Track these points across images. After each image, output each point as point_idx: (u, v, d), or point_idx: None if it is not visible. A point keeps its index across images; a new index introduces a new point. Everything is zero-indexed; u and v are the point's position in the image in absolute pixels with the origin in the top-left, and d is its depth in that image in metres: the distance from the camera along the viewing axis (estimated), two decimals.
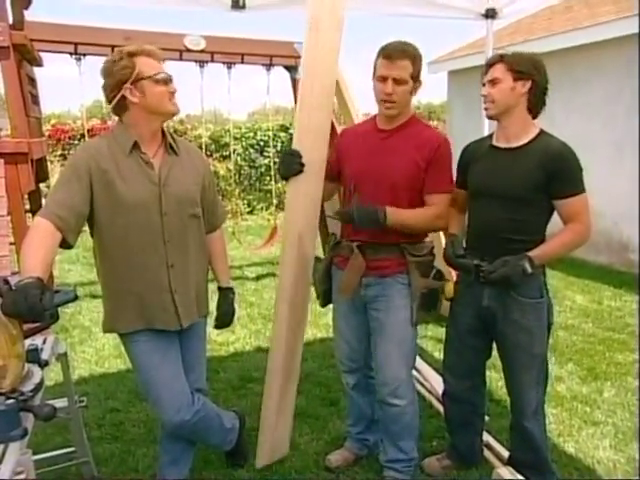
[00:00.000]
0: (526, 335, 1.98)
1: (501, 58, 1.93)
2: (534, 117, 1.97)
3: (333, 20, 1.92)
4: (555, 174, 1.86)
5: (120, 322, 1.91)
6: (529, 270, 1.86)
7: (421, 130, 2.06)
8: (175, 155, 1.91)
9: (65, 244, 1.72)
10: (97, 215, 1.80)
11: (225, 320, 2.17)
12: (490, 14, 3.16)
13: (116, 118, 1.91)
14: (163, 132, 1.91)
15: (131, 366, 2.01)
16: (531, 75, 1.90)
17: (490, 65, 1.96)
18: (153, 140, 1.87)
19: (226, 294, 2.15)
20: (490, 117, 1.99)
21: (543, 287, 2.00)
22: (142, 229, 1.82)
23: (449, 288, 2.15)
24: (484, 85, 1.97)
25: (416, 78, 1.98)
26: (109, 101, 1.82)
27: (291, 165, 2.03)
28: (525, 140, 1.94)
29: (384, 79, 1.95)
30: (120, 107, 1.81)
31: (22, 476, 1.26)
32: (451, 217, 2.16)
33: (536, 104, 1.94)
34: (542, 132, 1.96)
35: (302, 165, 2.07)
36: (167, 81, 1.80)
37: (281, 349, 2.14)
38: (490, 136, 2.08)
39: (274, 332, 2.18)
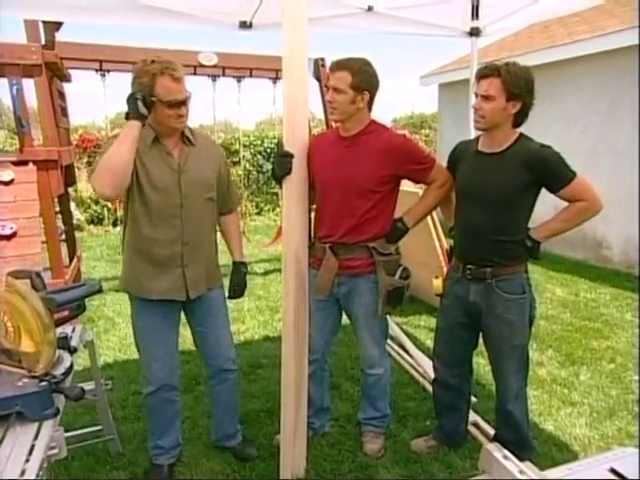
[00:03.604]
0: (508, 328, 1.97)
1: (498, 73, 1.82)
2: (517, 127, 1.93)
3: (302, 65, 1.91)
4: (543, 175, 1.85)
5: (134, 286, 2.00)
6: (528, 243, 1.91)
7: (379, 135, 2.04)
8: (192, 146, 1.99)
9: None
10: (131, 196, 1.91)
11: (237, 290, 2.19)
12: (474, 32, 3.14)
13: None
14: None
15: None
16: (523, 97, 1.84)
17: (485, 76, 1.85)
18: (172, 135, 1.95)
19: (238, 267, 2.19)
20: (478, 129, 1.96)
21: (525, 284, 1.99)
22: (164, 210, 1.91)
23: (438, 284, 2.15)
24: (476, 96, 1.89)
25: (357, 89, 1.95)
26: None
27: (285, 165, 1.95)
28: (506, 145, 1.91)
29: (329, 88, 2.01)
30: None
31: (55, 451, 1.27)
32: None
33: (521, 120, 1.91)
34: (521, 136, 1.93)
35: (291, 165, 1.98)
36: (178, 105, 1.84)
37: (290, 373, 2.07)
38: (477, 139, 2.04)
39: (283, 358, 2.09)
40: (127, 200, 1.94)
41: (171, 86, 1.82)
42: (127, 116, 1.81)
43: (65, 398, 1.41)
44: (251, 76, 4.61)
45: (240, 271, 2.19)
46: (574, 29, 6.23)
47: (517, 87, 1.81)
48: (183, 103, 1.86)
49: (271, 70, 4.46)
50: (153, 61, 1.82)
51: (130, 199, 1.93)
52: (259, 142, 9.57)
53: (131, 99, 1.80)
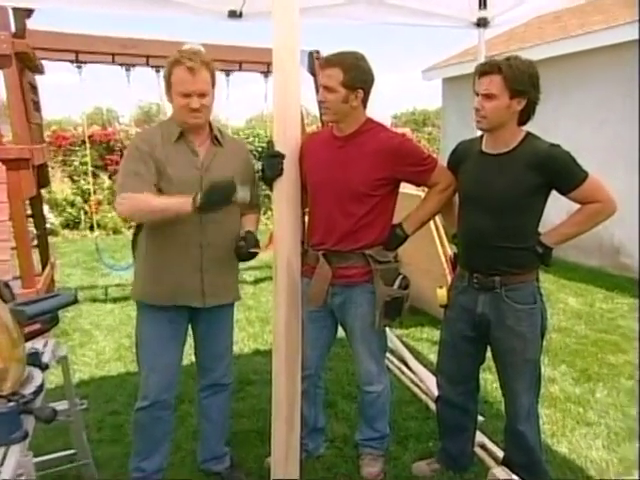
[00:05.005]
0: (520, 341, 1.98)
1: (499, 69, 1.82)
2: (522, 125, 1.94)
3: (294, 58, 1.91)
4: (553, 176, 1.86)
5: (147, 293, 2.03)
6: (539, 250, 1.93)
7: (375, 134, 2.04)
8: (220, 146, 2.06)
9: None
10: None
11: (248, 240, 2.03)
12: (482, 23, 3.16)
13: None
14: (210, 125, 2.06)
15: (131, 368, 2.02)
16: (528, 93, 1.84)
17: (485, 73, 1.86)
18: (199, 131, 2.02)
19: (251, 232, 2.09)
20: (481, 129, 1.97)
21: (537, 293, 1.99)
22: None
23: (442, 294, 2.15)
24: (477, 95, 1.89)
25: (350, 87, 1.95)
26: None
27: (276, 166, 1.94)
28: (512, 145, 1.92)
29: (321, 86, 2.01)
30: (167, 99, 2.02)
31: (23, 478, 1.25)
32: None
33: (527, 118, 1.92)
34: (528, 135, 1.94)
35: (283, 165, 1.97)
36: (189, 96, 1.90)
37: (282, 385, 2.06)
38: (481, 138, 2.04)
39: (274, 372, 2.07)
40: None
41: (184, 76, 1.88)
42: (201, 208, 1.81)
43: (35, 420, 1.39)
44: (241, 70, 4.63)
45: (252, 234, 2.07)
46: (587, 19, 6.29)
47: (520, 83, 1.82)
48: (197, 95, 1.90)
49: (262, 63, 4.48)
50: (179, 51, 1.92)
51: None
52: (250, 140, 9.59)
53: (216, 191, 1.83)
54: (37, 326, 1.63)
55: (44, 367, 1.65)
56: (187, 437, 2.60)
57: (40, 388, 1.49)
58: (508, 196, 1.91)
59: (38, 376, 1.54)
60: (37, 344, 1.82)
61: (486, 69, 1.86)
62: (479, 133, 2.04)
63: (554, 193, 1.93)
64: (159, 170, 1.94)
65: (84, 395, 2.80)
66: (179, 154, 1.98)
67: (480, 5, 3.12)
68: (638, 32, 4.80)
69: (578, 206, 1.94)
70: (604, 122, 5.94)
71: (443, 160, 2.17)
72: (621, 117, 5.74)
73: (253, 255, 2.07)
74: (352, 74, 1.95)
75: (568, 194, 1.89)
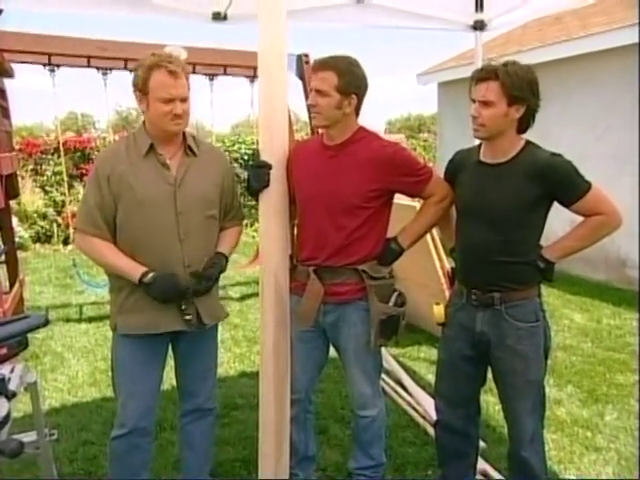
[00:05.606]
0: (521, 361, 1.98)
1: (496, 75, 1.84)
2: (522, 133, 1.96)
3: (281, 62, 1.94)
4: (554, 187, 1.88)
5: (134, 323, 2.00)
6: (541, 265, 1.94)
7: (368, 143, 2.06)
8: (194, 156, 2.04)
9: None
10: (117, 215, 1.95)
11: (210, 273, 2.02)
12: (478, 26, 3.22)
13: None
14: (184, 134, 2.04)
15: (107, 394, 2.00)
16: (527, 100, 1.87)
17: (482, 79, 1.88)
18: (171, 142, 2.01)
19: (219, 255, 2.08)
20: (478, 138, 1.99)
21: (539, 310, 2.00)
22: (158, 228, 1.95)
23: (439, 312, 2.15)
24: (474, 102, 1.92)
25: (344, 92, 1.97)
26: None
27: (262, 177, 1.95)
28: (511, 155, 1.94)
29: (312, 90, 2.03)
30: (141, 107, 1.99)
31: None
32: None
33: (527, 126, 1.94)
34: (528, 144, 1.96)
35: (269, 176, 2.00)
36: (173, 101, 1.90)
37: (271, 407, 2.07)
38: (479, 147, 2.06)
39: (262, 395, 2.10)
40: (115, 221, 1.96)
41: (166, 80, 1.88)
42: (140, 282, 1.90)
43: None
44: (225, 74, 4.66)
45: (220, 257, 2.07)
46: (590, 20, 6.40)
47: (519, 89, 1.84)
48: (179, 100, 1.91)
49: (248, 67, 4.50)
50: (153, 54, 1.91)
51: (119, 219, 1.95)
52: (235, 148, 9.61)
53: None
54: (3, 351, 1.60)
55: (11, 395, 1.62)
56: (167, 467, 2.57)
57: (5, 419, 1.47)
58: (507, 208, 1.92)
59: (3, 406, 1.52)
60: (3, 370, 1.80)
61: (483, 75, 1.89)
62: (477, 141, 2.06)
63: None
64: (123, 189, 1.92)
65: (55, 424, 2.75)
66: (149, 170, 1.96)
67: (477, 7, 3.18)
68: (638, 36, 4.89)
69: (581, 217, 1.96)
70: (608, 129, 6.02)
71: (439, 169, 2.19)
72: (626, 123, 5.82)
73: (207, 283, 2.01)
74: (347, 79, 1.97)
75: (570, 206, 1.91)
